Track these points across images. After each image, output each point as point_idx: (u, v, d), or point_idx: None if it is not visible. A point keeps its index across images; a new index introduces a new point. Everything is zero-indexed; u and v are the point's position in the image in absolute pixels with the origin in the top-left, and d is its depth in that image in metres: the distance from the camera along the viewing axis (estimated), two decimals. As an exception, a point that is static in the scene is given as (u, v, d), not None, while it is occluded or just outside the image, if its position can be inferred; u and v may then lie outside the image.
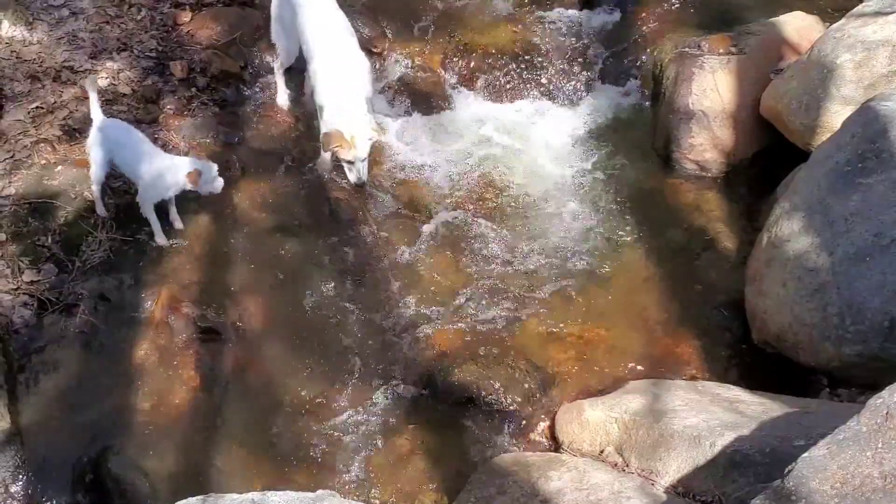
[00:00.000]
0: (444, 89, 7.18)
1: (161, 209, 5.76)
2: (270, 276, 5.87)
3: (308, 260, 6.01)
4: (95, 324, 5.31)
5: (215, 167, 5.67)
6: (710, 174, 6.43)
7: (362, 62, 6.32)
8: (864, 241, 4.67)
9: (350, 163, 5.97)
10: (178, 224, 5.87)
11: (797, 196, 5.18)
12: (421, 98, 7.14)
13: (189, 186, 5.59)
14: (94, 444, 4.84)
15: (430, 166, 6.68)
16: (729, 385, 4.98)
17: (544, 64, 7.19)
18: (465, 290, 5.89)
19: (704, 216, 6.19)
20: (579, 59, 7.21)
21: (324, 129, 6.04)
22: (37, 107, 6.28)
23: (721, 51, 6.50)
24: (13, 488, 4.58)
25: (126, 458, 4.78)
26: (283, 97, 6.85)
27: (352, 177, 6.05)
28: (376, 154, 6.46)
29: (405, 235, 6.23)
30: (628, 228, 6.20)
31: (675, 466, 4.29)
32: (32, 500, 4.58)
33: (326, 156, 6.28)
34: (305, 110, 6.66)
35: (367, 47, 7.15)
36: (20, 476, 4.61)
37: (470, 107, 7.07)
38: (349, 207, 6.29)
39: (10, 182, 5.84)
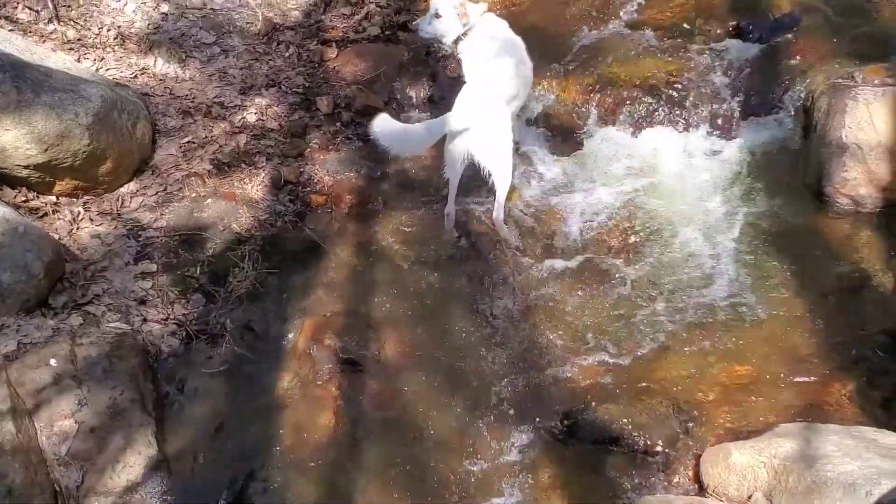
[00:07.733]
0: (584, 121, 7.05)
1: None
2: (410, 309, 5.89)
3: (448, 294, 6.01)
4: (240, 353, 5.44)
5: None
6: (865, 209, 6.13)
7: None
8: None
9: None
10: None
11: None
12: (560, 130, 7.06)
13: None
14: (238, 473, 4.92)
15: (567, 200, 6.58)
16: (886, 430, 4.72)
17: (690, 96, 6.98)
18: (605, 328, 5.79)
19: (859, 253, 5.91)
20: (727, 92, 6.98)
21: None
22: (188, 141, 6.50)
23: (876, 81, 6.23)
24: (159, 515, 4.69)
25: (269, 489, 4.83)
26: None
27: None
28: (512, 188, 6.48)
29: (545, 272, 6.16)
30: (777, 264, 5.97)
31: (828, 515, 4.10)
32: (178, 528, 4.68)
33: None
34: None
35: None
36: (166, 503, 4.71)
37: (611, 139, 6.91)
38: (489, 242, 6.27)
39: (161, 214, 6.05)
